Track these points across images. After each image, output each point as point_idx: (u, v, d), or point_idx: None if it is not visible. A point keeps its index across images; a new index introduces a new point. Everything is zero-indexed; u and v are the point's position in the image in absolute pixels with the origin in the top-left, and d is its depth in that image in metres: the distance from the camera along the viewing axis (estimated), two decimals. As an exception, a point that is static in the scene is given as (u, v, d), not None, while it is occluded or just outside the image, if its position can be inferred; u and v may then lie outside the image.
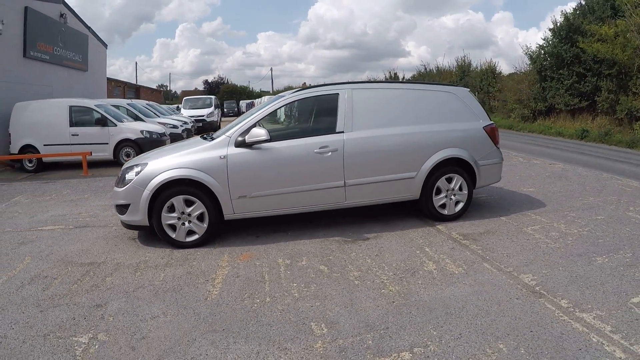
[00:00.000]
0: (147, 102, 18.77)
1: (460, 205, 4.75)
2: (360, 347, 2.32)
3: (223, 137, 4.13)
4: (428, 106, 4.71)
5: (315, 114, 4.75)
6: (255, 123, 4.10)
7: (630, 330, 2.44)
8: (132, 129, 10.50)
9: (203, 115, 19.99)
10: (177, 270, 3.59)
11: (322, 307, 2.79)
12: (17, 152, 9.86)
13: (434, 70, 29.48)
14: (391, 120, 4.49)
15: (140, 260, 3.89)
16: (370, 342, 2.36)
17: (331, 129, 4.24)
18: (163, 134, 10.95)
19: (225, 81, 58.07)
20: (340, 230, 4.44)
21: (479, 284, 3.12)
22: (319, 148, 4.09)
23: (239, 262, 3.69)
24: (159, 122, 12.94)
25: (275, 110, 4.32)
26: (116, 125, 10.24)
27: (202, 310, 2.84)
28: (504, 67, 43.09)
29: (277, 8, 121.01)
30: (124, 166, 4.39)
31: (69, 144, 10.03)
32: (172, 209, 4.04)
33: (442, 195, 4.65)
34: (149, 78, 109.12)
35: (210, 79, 59.16)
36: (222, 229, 4.37)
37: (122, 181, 4.17)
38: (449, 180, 4.65)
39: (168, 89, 58.42)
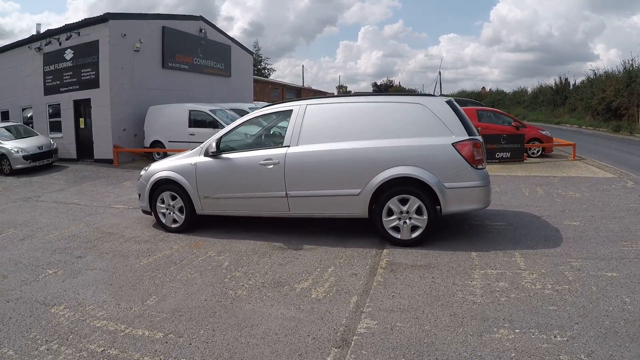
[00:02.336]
0: (278, 104, 22.47)
1: (418, 232, 4.92)
2: (129, 316, 3.50)
3: (198, 147, 5.79)
4: (387, 120, 5.05)
5: (274, 128, 5.90)
6: (221, 137, 5.62)
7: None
8: (236, 131, 13.40)
9: None
10: (146, 246, 5.41)
11: (174, 289, 4.04)
12: (148, 146, 13.90)
13: (602, 76, 26.38)
14: (341, 135, 5.10)
15: (136, 235, 5.89)
16: (140, 313, 3.56)
17: (280, 143, 5.37)
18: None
19: (395, 84, 63.42)
20: (290, 237, 5.49)
21: (309, 312, 3.48)
22: (263, 160, 5.27)
23: (186, 249, 5.27)
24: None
25: (240, 125, 5.74)
26: (224, 127, 13.24)
27: (119, 271, 4.55)
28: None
29: (458, 9, 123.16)
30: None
31: (187, 142, 13.52)
32: (163, 201, 5.94)
33: (394, 217, 4.96)
34: (333, 79, 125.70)
35: (391, 81, 66.36)
36: (198, 222, 6.00)
37: (139, 177, 6.31)
38: (404, 202, 4.90)
39: (347, 90, 66.02)
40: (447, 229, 5.60)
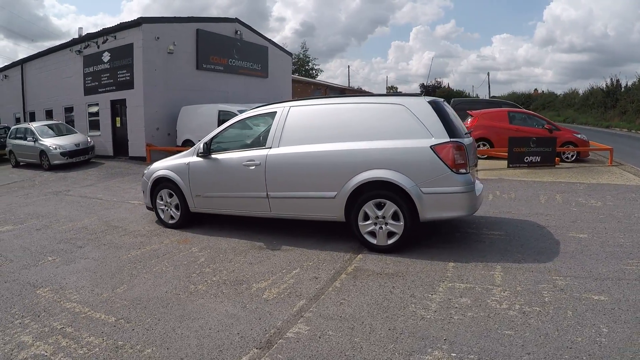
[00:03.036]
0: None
1: (395, 238, 4.92)
2: (96, 301, 3.99)
3: (193, 147, 6.28)
4: (366, 122, 5.10)
5: (260, 130, 6.21)
6: (212, 138, 6.06)
7: None
8: (262, 131, 14.04)
9: None
10: (140, 240, 5.99)
11: (145, 280, 4.52)
12: (180, 145, 14.82)
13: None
14: (322, 137, 5.26)
15: (137, 229, 6.51)
16: (106, 299, 4.08)
17: (263, 145, 5.68)
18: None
19: (443, 85, 63.05)
20: (274, 238, 5.82)
21: (251, 312, 3.68)
22: (246, 161, 5.64)
23: (174, 244, 5.78)
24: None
25: (230, 126, 6.15)
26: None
27: (107, 261, 5.13)
28: None
29: (511, 9, 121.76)
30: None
31: (216, 141, 14.31)
32: (162, 198, 6.50)
33: (370, 222, 5.05)
34: (384, 79, 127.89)
35: (439, 82, 66.08)
36: (198, 219, 6.51)
37: (142, 174, 6.93)
38: (380, 207, 4.95)
39: (397, 90, 66.32)
40: (436, 235, 5.59)
